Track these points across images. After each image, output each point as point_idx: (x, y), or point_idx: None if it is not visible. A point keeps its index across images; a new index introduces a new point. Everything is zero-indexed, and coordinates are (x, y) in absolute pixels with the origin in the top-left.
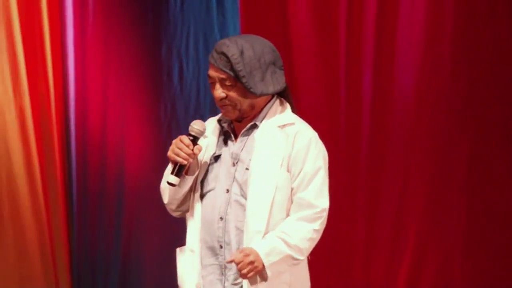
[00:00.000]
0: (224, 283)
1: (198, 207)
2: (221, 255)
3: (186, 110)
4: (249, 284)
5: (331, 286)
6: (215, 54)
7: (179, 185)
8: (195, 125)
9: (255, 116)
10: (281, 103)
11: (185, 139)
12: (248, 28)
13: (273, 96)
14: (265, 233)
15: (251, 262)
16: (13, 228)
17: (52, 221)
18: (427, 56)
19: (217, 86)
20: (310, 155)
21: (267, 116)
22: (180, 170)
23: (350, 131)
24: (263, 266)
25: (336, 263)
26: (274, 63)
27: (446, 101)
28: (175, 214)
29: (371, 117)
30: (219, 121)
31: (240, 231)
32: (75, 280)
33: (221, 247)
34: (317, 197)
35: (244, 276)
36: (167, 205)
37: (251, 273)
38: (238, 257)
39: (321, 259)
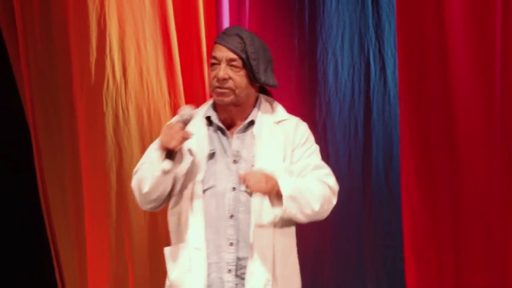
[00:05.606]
0: (227, 281)
1: (198, 205)
2: (231, 253)
3: (341, 110)
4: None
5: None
6: (225, 36)
7: (168, 172)
8: (184, 110)
9: (246, 114)
10: (268, 101)
11: (176, 124)
12: (404, 27)
13: (258, 95)
14: (274, 227)
15: (266, 178)
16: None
17: None
18: None
19: (223, 66)
20: (312, 145)
21: (260, 113)
22: (172, 156)
23: (506, 133)
24: (276, 191)
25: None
26: (271, 62)
27: None
28: (149, 206)
29: None
30: (207, 117)
31: (250, 227)
32: None
33: (231, 244)
34: (323, 163)
35: (248, 183)
36: (146, 195)
37: (258, 185)
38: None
39: (476, 257)
